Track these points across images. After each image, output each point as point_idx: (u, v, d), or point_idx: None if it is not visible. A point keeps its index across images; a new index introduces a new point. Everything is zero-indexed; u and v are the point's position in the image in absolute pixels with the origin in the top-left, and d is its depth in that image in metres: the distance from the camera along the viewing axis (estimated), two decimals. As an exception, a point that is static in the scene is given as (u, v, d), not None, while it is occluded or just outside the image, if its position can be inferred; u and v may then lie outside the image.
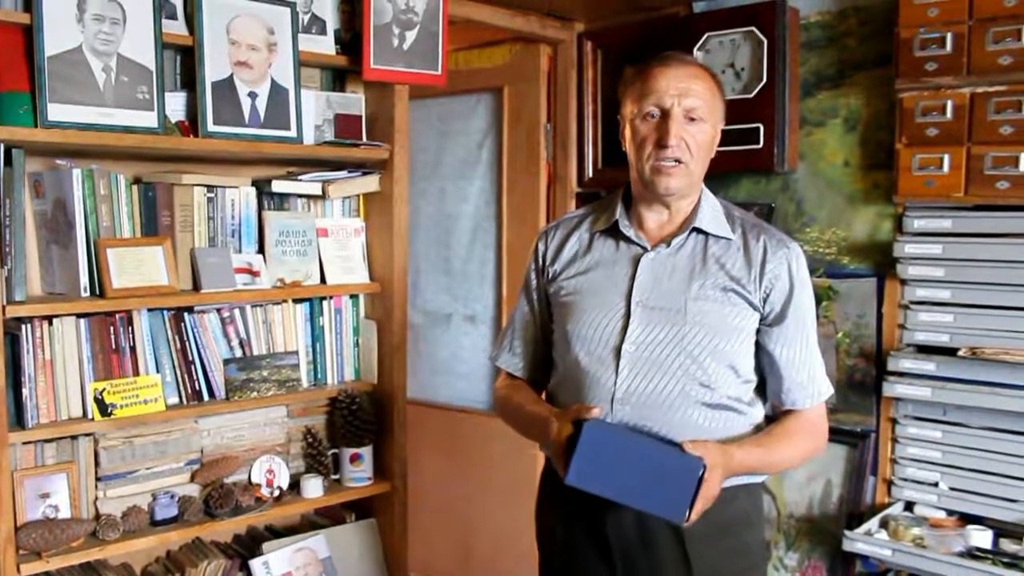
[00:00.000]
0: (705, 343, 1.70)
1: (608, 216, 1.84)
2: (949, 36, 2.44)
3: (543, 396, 1.96)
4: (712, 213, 1.80)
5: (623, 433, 1.67)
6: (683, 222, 1.79)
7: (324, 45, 2.70)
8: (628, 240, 1.81)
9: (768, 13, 2.85)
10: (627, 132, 1.78)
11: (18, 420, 2.23)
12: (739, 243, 1.77)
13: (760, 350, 1.78)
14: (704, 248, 1.77)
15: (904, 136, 2.56)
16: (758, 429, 1.81)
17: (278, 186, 2.64)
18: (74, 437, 2.33)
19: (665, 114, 1.70)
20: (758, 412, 1.81)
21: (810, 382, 1.78)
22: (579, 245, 1.87)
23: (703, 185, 1.82)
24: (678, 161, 1.71)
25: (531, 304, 1.95)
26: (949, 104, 2.47)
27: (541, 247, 1.93)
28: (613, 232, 1.83)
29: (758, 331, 1.77)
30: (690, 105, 1.70)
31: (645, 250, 1.79)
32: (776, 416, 1.84)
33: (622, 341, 1.73)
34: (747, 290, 1.73)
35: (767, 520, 2.96)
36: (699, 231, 1.78)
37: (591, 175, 3.44)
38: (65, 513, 2.29)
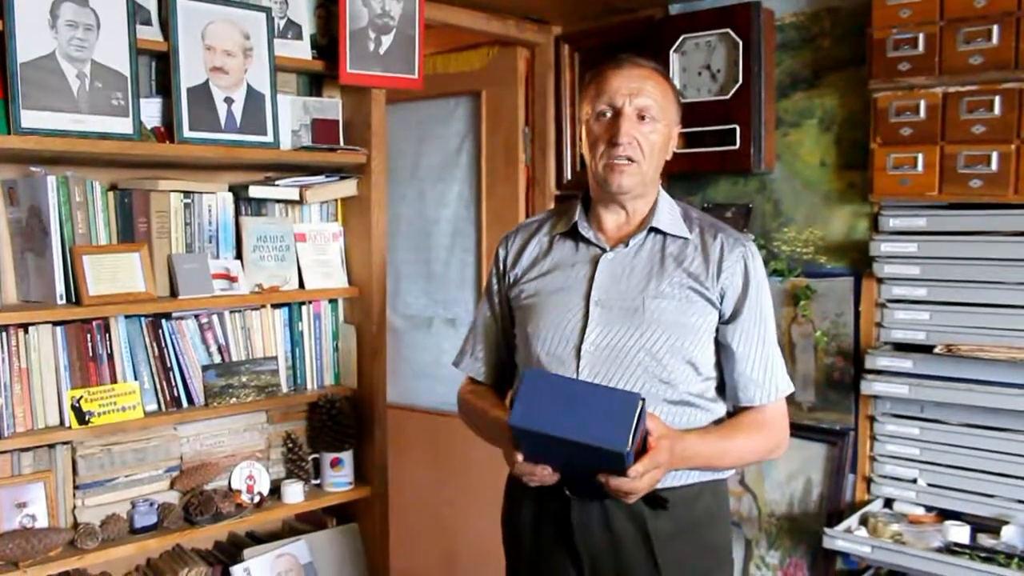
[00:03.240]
0: (663, 340, 1.72)
1: (567, 219, 1.87)
2: (921, 36, 2.46)
3: (507, 401, 1.97)
4: (670, 214, 1.82)
5: (563, 377, 1.69)
6: (640, 222, 1.81)
7: (300, 50, 2.70)
8: (587, 241, 1.83)
9: (743, 15, 2.86)
10: (583, 134, 1.81)
11: (-6, 429, 2.21)
12: (696, 242, 1.80)
13: (718, 347, 1.80)
14: (662, 248, 1.79)
15: (879, 136, 2.58)
16: None
17: (255, 191, 2.64)
18: (51, 446, 2.31)
19: (617, 113, 1.73)
20: (720, 409, 1.83)
21: (766, 378, 1.79)
22: (539, 248, 1.89)
23: (660, 187, 1.85)
24: (630, 160, 1.73)
25: (493, 309, 1.97)
26: (922, 104, 2.49)
27: (502, 252, 1.95)
28: (572, 234, 1.85)
29: (716, 328, 1.78)
30: (641, 104, 1.73)
31: (604, 251, 1.81)
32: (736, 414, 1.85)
33: (581, 340, 1.74)
34: (705, 287, 1.75)
35: (748, 519, 2.97)
36: (657, 231, 1.80)
37: (570, 177, 3.45)
38: (43, 522, 2.28)
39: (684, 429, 1.71)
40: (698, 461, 1.72)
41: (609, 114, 1.74)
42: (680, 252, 1.78)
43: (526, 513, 1.84)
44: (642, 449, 1.56)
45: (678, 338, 1.72)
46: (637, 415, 1.51)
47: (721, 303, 1.77)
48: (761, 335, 1.79)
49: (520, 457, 1.61)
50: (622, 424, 1.50)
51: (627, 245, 1.80)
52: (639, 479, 1.55)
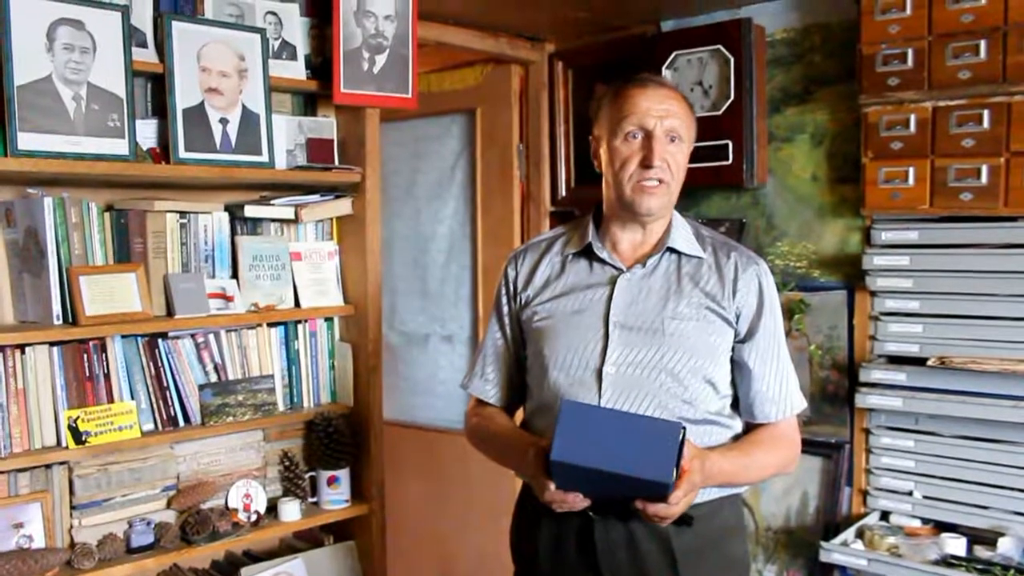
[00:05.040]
0: (684, 361, 1.72)
1: (580, 238, 1.85)
2: (910, 52, 2.49)
3: (518, 423, 1.96)
4: (684, 233, 1.82)
5: (601, 408, 1.68)
6: (657, 243, 1.81)
7: (295, 70, 2.72)
8: (602, 262, 1.82)
9: (734, 31, 2.89)
10: (603, 153, 1.79)
11: (-9, 450, 2.21)
12: (711, 261, 1.80)
13: (734, 365, 1.80)
14: (678, 268, 1.79)
15: (870, 150, 2.61)
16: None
17: (251, 211, 2.65)
18: (48, 466, 2.31)
19: (648, 135, 1.72)
20: (737, 426, 1.83)
21: (781, 395, 1.80)
22: (551, 269, 1.87)
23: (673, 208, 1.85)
24: (660, 181, 1.73)
25: (503, 330, 1.95)
26: (912, 118, 2.52)
27: (511, 273, 1.93)
28: (586, 254, 1.84)
29: (732, 347, 1.78)
30: (671, 126, 1.73)
31: (620, 271, 1.80)
32: (751, 430, 1.85)
33: (603, 363, 1.73)
34: (722, 306, 1.76)
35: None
36: (672, 251, 1.80)
37: (564, 194, 3.47)
38: (39, 543, 2.28)
39: (706, 447, 1.72)
40: (722, 479, 1.72)
41: (640, 136, 1.73)
42: (695, 272, 1.78)
43: (545, 533, 1.82)
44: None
45: (698, 358, 1.73)
46: (679, 445, 1.52)
47: (737, 322, 1.77)
48: (775, 352, 1.80)
49: (552, 486, 1.61)
50: (666, 455, 1.51)
51: (644, 265, 1.79)
52: (678, 504, 1.56)
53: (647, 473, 1.51)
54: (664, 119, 1.72)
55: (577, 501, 1.63)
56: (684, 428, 1.54)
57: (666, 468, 1.50)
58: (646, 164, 1.71)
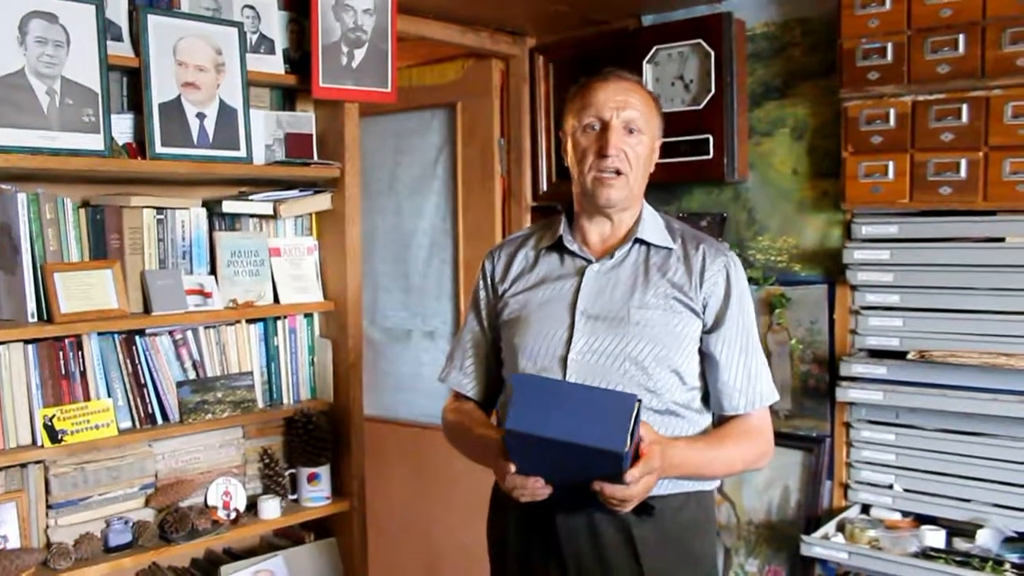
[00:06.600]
0: (649, 350, 1.73)
1: (552, 232, 1.88)
2: (890, 46, 2.49)
3: (493, 416, 1.97)
4: (654, 225, 1.84)
5: (555, 380, 1.70)
6: (626, 234, 1.83)
7: (273, 64, 2.70)
8: (572, 254, 1.85)
9: (715, 25, 2.89)
10: (569, 146, 1.83)
11: (-35, 449, 2.19)
12: (679, 253, 1.82)
13: (702, 357, 1.81)
14: (646, 259, 1.81)
15: (850, 144, 2.61)
16: None
17: (229, 206, 2.63)
18: (23, 465, 2.29)
19: (605, 126, 1.76)
20: (705, 420, 1.84)
21: (749, 386, 1.80)
22: (525, 262, 1.90)
23: (644, 200, 1.86)
24: (618, 172, 1.76)
25: (481, 323, 1.97)
26: (892, 112, 2.52)
27: (488, 267, 1.96)
28: (558, 248, 1.87)
29: (700, 338, 1.79)
30: (628, 117, 1.76)
31: (589, 262, 1.82)
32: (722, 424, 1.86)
33: (567, 351, 1.75)
34: (688, 297, 1.77)
35: (727, 527, 2.98)
36: (641, 242, 1.82)
37: (545, 189, 3.46)
38: (14, 543, 2.25)
39: (672, 437, 1.72)
40: (686, 469, 1.72)
41: (597, 127, 1.77)
42: (664, 263, 1.80)
43: (512, 521, 1.84)
44: (635, 456, 1.56)
45: (663, 347, 1.74)
46: (634, 416, 1.50)
47: (704, 312, 1.78)
48: (743, 344, 1.80)
49: (512, 468, 1.61)
50: (619, 425, 1.50)
51: (612, 256, 1.81)
52: (635, 484, 1.55)
53: (599, 442, 1.49)
54: (621, 110, 1.75)
55: (538, 487, 1.61)
56: (639, 400, 1.53)
57: (618, 438, 1.49)
58: (602, 154, 1.75)
